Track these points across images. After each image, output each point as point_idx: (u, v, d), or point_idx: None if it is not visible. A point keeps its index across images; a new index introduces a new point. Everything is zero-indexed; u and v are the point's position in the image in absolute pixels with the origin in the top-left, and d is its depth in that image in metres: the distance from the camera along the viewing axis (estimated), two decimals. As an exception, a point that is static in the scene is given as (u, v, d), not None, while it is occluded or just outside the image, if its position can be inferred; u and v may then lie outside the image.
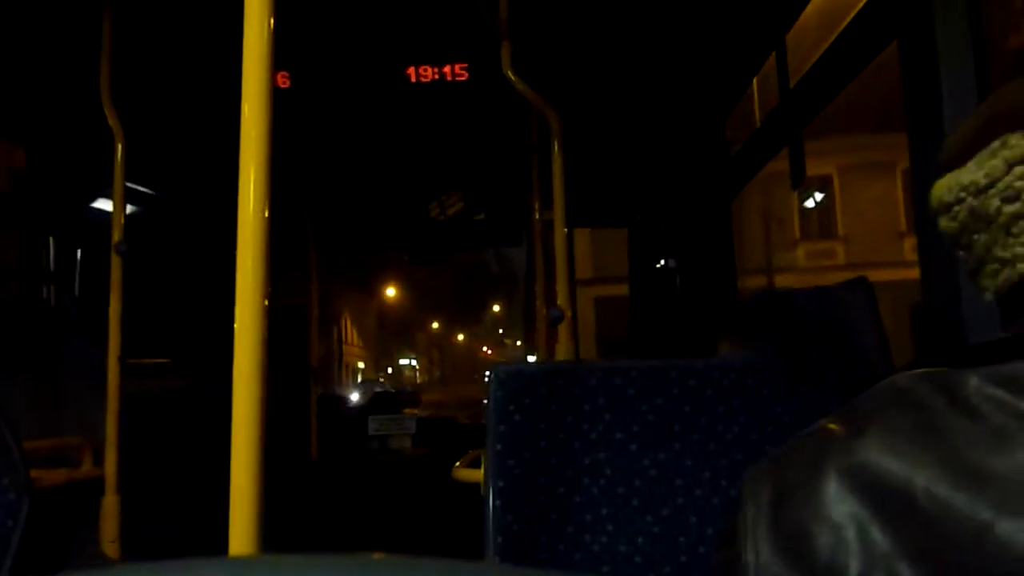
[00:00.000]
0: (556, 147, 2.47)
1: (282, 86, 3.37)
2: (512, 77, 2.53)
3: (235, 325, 0.94)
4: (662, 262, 4.99)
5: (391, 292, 35.15)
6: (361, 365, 38.42)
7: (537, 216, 3.72)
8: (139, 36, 3.02)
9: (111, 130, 2.77)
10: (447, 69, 3.63)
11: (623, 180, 4.87)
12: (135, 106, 2.90)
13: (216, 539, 3.29)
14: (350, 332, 34.26)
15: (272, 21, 0.99)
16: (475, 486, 2.36)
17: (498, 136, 4.32)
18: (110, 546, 2.67)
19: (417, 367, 44.44)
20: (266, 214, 0.96)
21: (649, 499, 1.99)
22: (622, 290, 5.50)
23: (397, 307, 37.46)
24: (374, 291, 34.04)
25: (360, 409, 5.44)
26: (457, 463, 2.30)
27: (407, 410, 5.40)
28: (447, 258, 6.10)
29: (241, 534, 0.92)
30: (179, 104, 3.66)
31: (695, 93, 3.67)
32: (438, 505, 4.47)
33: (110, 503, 2.67)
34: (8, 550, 2.07)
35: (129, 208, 2.87)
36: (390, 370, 42.02)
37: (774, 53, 2.85)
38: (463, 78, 3.65)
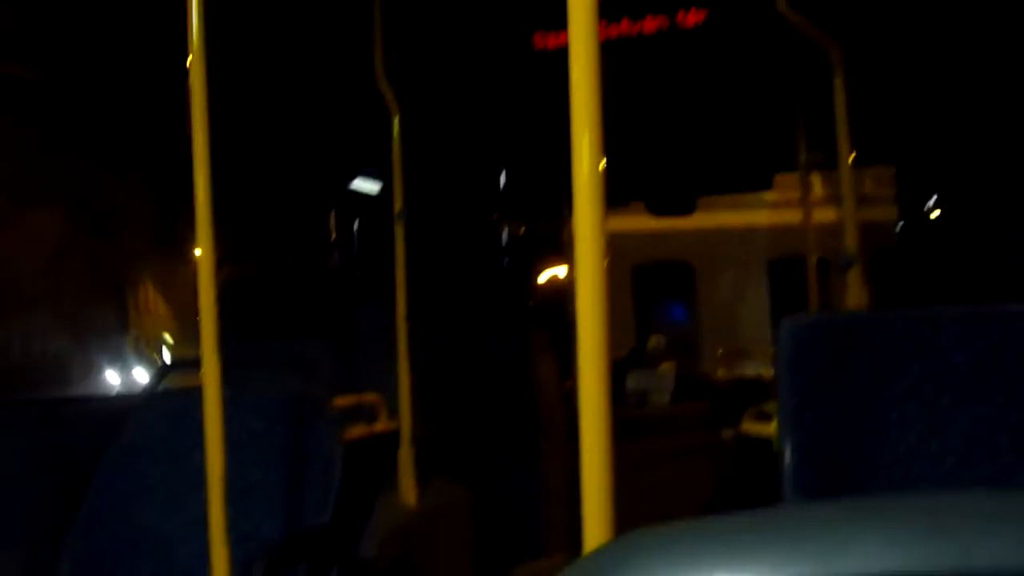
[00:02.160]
0: (837, 81, 2.30)
1: (540, 47, 3.40)
2: (785, 9, 2.38)
3: (577, 291, 0.94)
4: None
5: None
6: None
7: (802, 159, 3.53)
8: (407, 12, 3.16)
9: (385, 106, 2.93)
10: (680, 15, 3.49)
11: (891, 113, 4.48)
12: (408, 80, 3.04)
13: (510, 492, 3.42)
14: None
15: None
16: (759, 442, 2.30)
17: (746, 77, 4.12)
18: (407, 495, 2.87)
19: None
20: (601, 175, 0.95)
21: (967, 457, 1.83)
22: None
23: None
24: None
25: (617, 365, 5.47)
26: (746, 419, 2.23)
27: (664, 364, 5.37)
28: (694, 208, 5.95)
29: (594, 508, 0.92)
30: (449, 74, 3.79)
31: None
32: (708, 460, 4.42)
33: (406, 455, 2.87)
34: (329, 496, 2.28)
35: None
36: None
37: None
38: (707, 20, 3.50)
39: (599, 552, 0.45)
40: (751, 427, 2.16)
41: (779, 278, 9.74)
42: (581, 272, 0.95)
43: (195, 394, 2.26)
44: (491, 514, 3.74)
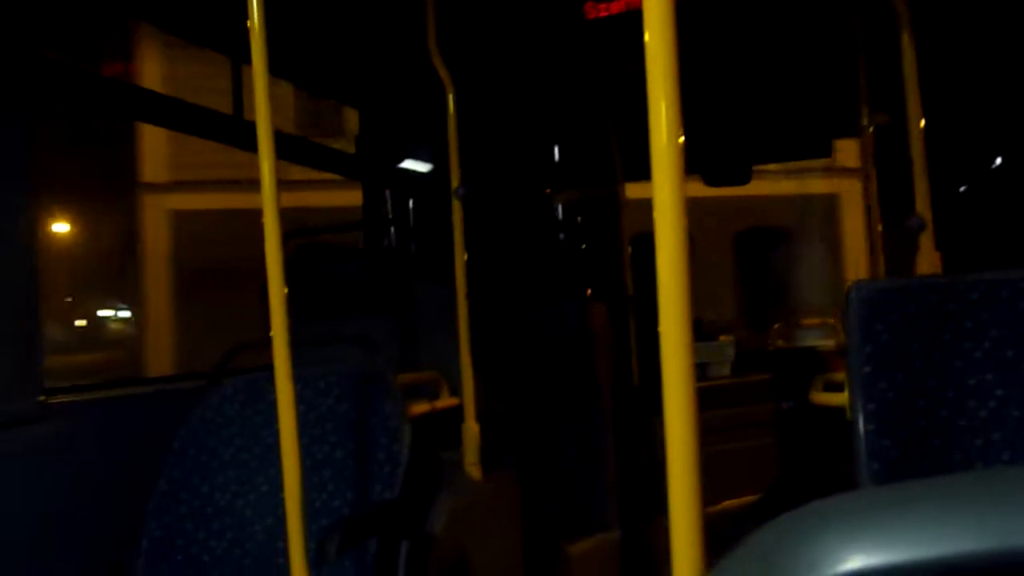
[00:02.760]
0: (905, 38, 2.22)
1: (592, 16, 3.36)
2: None
3: (659, 264, 0.93)
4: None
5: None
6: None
7: (865, 122, 3.44)
8: None
9: (440, 82, 2.92)
10: None
11: (952, 72, 4.33)
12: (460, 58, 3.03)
13: (573, 462, 3.43)
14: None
15: None
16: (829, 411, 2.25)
17: (803, 37, 4.01)
18: (472, 468, 2.89)
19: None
20: (678, 142, 0.93)
21: None
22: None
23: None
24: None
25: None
26: (815, 388, 2.19)
27: (722, 337, 5.31)
28: (750, 177, 5.83)
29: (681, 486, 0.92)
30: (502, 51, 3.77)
31: None
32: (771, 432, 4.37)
33: (470, 429, 2.89)
34: (397, 470, 2.31)
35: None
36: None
37: None
38: None
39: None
40: (820, 397, 2.12)
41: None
42: (662, 244, 0.94)
43: (263, 372, 2.30)
44: (550, 488, 3.76)
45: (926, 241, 2.18)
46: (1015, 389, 1.80)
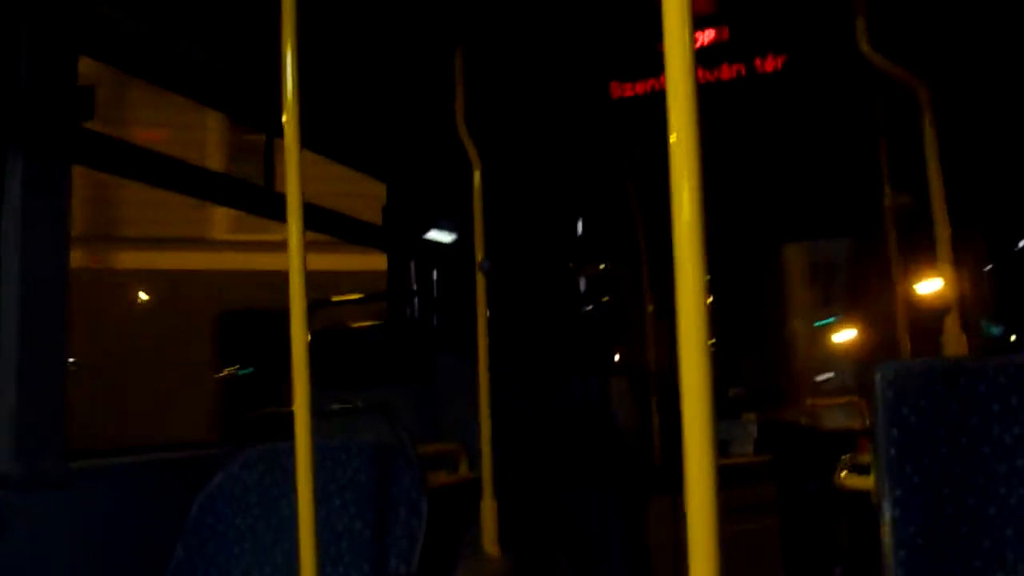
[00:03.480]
0: (927, 123, 2.25)
1: (616, 96, 3.43)
2: (869, 52, 2.35)
3: (680, 332, 0.94)
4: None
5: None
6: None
7: (887, 202, 3.46)
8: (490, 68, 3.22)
9: (467, 159, 2.98)
10: (757, 62, 3.48)
11: (973, 155, 4.37)
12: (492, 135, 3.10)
13: (591, 542, 3.37)
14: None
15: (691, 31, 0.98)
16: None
17: (831, 123, 4.07)
18: (491, 545, 2.85)
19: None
20: (700, 219, 0.95)
21: None
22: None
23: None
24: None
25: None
26: (841, 472, 2.16)
27: (745, 415, 5.24)
28: (778, 254, 5.86)
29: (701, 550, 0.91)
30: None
31: None
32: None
33: (488, 506, 2.85)
34: (415, 544, 2.28)
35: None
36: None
37: None
38: (788, 67, 3.48)
39: None
40: (848, 479, 2.09)
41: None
42: (684, 322, 0.95)
43: (284, 443, 2.30)
44: (570, 566, 3.68)
45: (951, 323, 2.17)
46: None
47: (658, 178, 1.08)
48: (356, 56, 3.18)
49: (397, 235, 4.21)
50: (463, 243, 3.04)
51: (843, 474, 2.16)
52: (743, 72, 3.45)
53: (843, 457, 2.36)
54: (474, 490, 2.91)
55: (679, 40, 0.98)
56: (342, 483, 2.34)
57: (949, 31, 3.14)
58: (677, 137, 0.97)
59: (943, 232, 2.20)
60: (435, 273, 4.33)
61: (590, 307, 4.80)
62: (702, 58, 3.49)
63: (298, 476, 1.84)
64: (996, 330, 4.76)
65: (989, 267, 4.82)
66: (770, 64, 3.43)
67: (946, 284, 2.17)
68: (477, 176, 2.95)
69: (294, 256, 1.85)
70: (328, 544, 2.23)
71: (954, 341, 2.16)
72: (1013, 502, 1.79)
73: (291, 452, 1.88)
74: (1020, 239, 4.59)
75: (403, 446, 2.39)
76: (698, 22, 3.52)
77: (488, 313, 2.95)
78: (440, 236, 4.40)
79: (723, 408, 5.08)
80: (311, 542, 1.84)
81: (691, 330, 0.95)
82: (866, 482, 1.94)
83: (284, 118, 1.87)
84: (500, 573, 2.83)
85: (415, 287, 4.25)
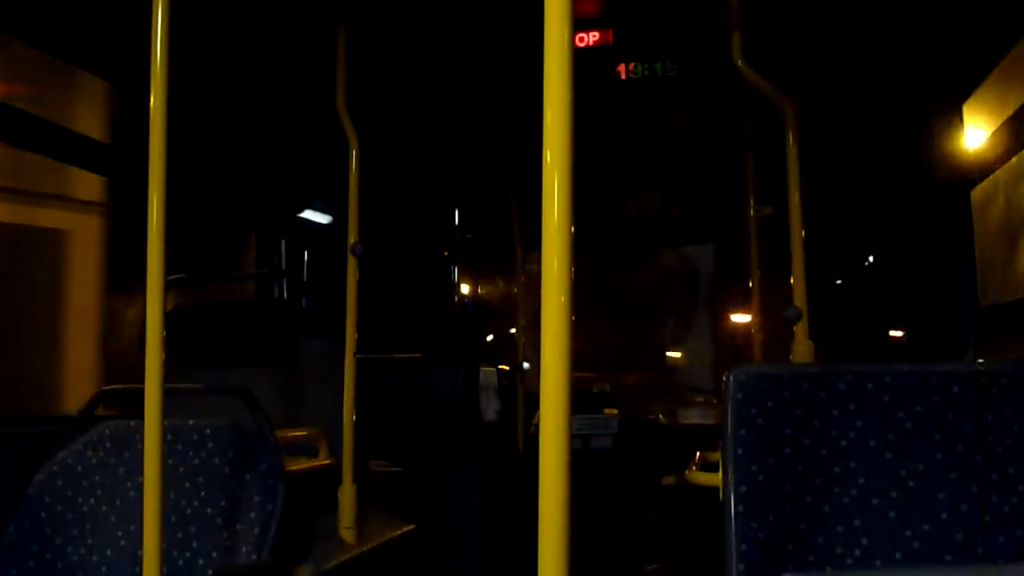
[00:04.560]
0: (790, 139, 2.36)
1: None
2: (743, 68, 2.45)
3: (543, 325, 0.95)
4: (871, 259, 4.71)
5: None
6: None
7: (752, 213, 3.62)
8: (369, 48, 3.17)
9: (345, 137, 2.92)
10: (657, 65, 3.59)
11: (832, 172, 4.63)
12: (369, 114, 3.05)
13: (451, 528, 3.38)
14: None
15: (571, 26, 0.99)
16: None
17: (703, 132, 4.22)
18: (347, 532, 2.81)
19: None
20: (570, 216, 0.96)
21: (907, 512, 1.86)
22: None
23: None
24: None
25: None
26: (692, 467, 2.24)
27: (607, 410, 5.37)
28: (644, 259, 6.04)
29: (551, 539, 0.92)
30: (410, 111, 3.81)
31: (928, 77, 3.42)
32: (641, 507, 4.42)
33: (347, 492, 2.82)
34: (268, 531, 2.22)
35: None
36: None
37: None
38: (673, 73, 3.59)
39: None
40: (695, 476, 2.17)
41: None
42: (547, 315, 0.96)
43: (132, 420, 2.19)
44: (433, 551, 3.69)
45: (800, 331, 2.29)
46: (875, 478, 1.88)
47: (535, 175, 1.09)
48: (229, 23, 3.07)
49: (267, 212, 4.10)
50: (337, 225, 2.98)
51: (693, 470, 2.25)
52: (647, 72, 3.53)
53: (696, 454, 2.46)
54: (334, 477, 2.86)
55: (558, 38, 0.99)
56: (194, 465, 2.25)
57: (817, 54, 3.31)
58: (550, 133, 0.98)
59: (797, 244, 2.32)
60: (306, 254, 4.24)
61: (464, 297, 4.81)
62: (589, 58, 3.55)
63: (145, 456, 1.77)
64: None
65: (839, 281, 5.13)
66: (668, 69, 3.54)
67: (797, 294, 2.29)
68: (354, 155, 2.90)
69: (153, 231, 1.77)
70: (175, 529, 2.15)
71: (802, 348, 2.28)
72: (846, 501, 1.91)
73: (142, 431, 1.80)
74: (868, 254, 4.89)
75: (261, 430, 2.33)
76: (583, 23, 3.58)
77: (358, 297, 2.91)
78: (314, 216, 4.31)
79: (586, 403, 5.20)
80: (156, 525, 1.76)
81: (554, 326, 0.96)
82: (714, 479, 2.02)
83: (151, 80, 1.78)
84: (355, 560, 2.80)
85: (284, 266, 4.15)
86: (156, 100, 1.77)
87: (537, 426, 0.99)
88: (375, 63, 3.30)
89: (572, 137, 0.97)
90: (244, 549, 2.16)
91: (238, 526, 2.18)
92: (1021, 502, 1.78)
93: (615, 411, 5.45)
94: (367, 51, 3.15)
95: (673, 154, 4.61)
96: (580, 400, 5.71)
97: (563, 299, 0.96)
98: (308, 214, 4.31)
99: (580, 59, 3.48)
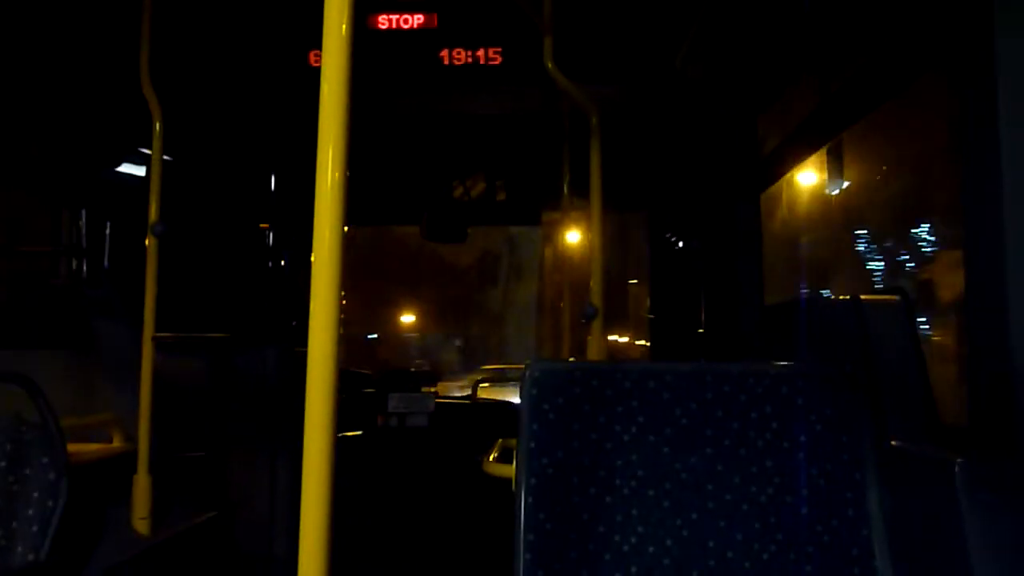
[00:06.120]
0: (594, 142, 2.46)
1: (315, 64, 3.37)
2: (553, 70, 2.52)
3: (311, 305, 0.98)
4: (680, 244, 4.97)
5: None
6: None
7: (564, 205, 3.74)
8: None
9: (147, 106, 2.77)
10: (480, 53, 3.63)
11: (645, 166, 4.85)
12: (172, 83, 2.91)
13: (257, 513, 3.31)
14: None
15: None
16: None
17: (526, 120, 4.31)
18: (140, 523, 2.71)
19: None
20: (343, 195, 0.98)
21: (679, 502, 2.01)
22: None
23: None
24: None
25: (379, 386, 5.46)
26: (490, 456, 2.31)
27: (424, 388, 5.42)
28: (466, 236, 6.10)
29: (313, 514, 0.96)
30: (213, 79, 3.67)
31: (726, 89, 3.64)
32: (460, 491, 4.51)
33: (142, 480, 2.71)
34: (48, 529, 2.12)
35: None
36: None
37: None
38: (496, 63, 3.65)
39: None
40: (491, 467, 2.25)
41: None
42: (317, 286, 0.98)
43: None
44: (237, 537, 3.62)
45: (596, 328, 2.40)
46: (653, 471, 2.02)
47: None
48: None
49: (63, 181, 3.83)
50: (141, 198, 2.83)
51: (491, 459, 2.32)
52: (470, 60, 3.56)
53: (499, 440, 2.54)
54: (129, 464, 2.75)
55: (336, 16, 1.01)
56: None
57: (632, 64, 3.46)
58: (327, 108, 0.99)
59: (597, 247, 2.43)
60: (108, 227, 4.00)
61: (277, 275, 4.70)
62: (411, 41, 3.54)
63: None
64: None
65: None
66: (490, 57, 3.58)
67: (594, 292, 2.40)
68: (157, 128, 2.76)
69: None
70: None
71: (597, 345, 2.39)
72: (626, 492, 2.03)
73: None
74: (678, 242, 5.15)
75: (43, 420, 2.20)
76: (407, 5, 3.56)
77: (165, 275, 2.79)
78: (117, 188, 4.07)
79: (404, 382, 5.23)
80: None
81: (322, 312, 0.98)
82: (508, 470, 2.09)
83: None
84: (148, 553, 2.71)
85: (82, 240, 3.90)
86: None
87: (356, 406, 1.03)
88: (185, 33, 3.15)
89: (348, 114, 0.99)
90: (20, 550, 2.05)
91: (14, 526, 2.06)
92: (776, 492, 1.96)
93: (433, 388, 5.52)
94: (177, 21, 3.00)
95: (496, 139, 4.68)
96: (399, 379, 5.75)
97: (333, 270, 0.98)
98: (112, 185, 4.06)
99: (402, 42, 3.50)
